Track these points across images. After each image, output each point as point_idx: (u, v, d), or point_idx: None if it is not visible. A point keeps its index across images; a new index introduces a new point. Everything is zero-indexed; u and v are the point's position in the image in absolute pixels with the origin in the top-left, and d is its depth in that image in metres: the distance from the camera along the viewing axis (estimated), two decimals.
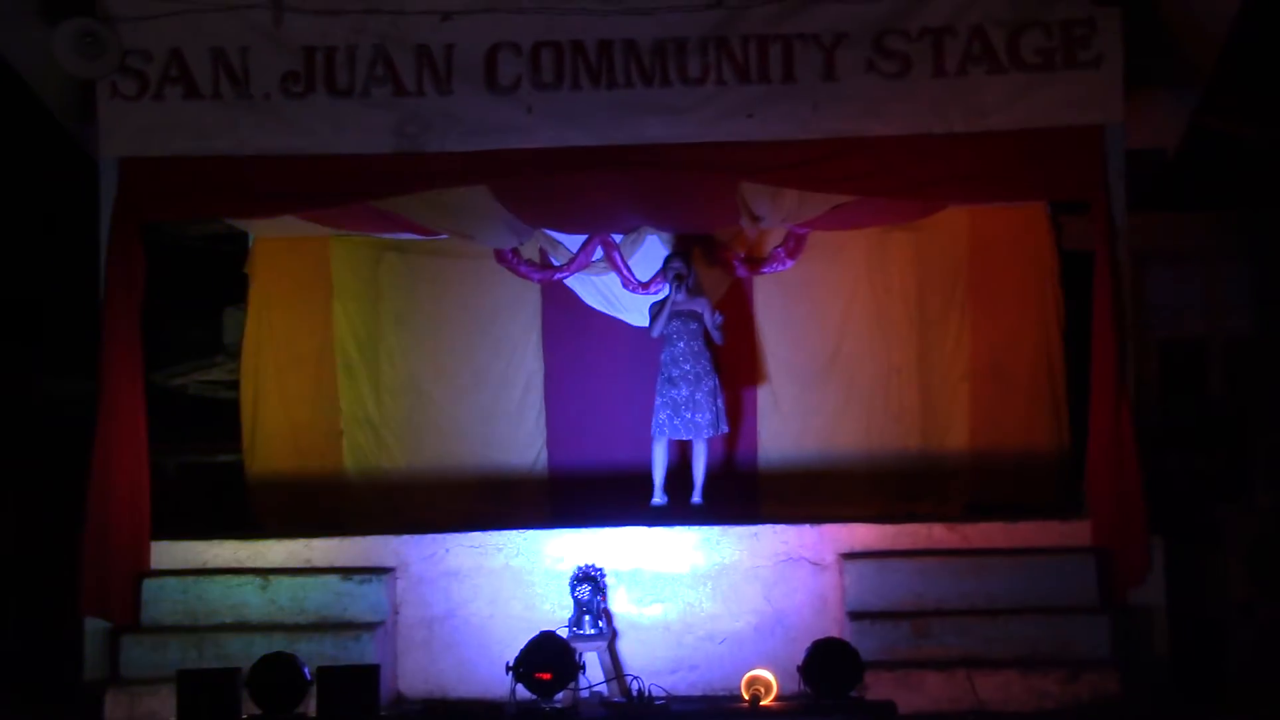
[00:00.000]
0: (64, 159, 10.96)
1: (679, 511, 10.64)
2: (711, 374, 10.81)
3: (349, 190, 9.98)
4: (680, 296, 10.78)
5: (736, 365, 11.51)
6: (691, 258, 11.17)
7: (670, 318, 10.77)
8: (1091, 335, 9.66)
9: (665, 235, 11.60)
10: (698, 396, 10.71)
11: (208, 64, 9.80)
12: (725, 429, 10.92)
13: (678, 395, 10.71)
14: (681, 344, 10.77)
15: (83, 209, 10.22)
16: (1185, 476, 11.42)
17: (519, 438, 11.79)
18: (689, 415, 10.70)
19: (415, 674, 9.68)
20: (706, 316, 10.81)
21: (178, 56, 9.80)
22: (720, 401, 10.83)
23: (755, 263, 11.69)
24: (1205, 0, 9.73)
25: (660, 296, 11.08)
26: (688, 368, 10.74)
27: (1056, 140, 9.59)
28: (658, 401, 10.76)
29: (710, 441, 10.92)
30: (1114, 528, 9.36)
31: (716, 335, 10.82)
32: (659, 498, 10.75)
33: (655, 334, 10.81)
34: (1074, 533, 9.59)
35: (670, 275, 10.84)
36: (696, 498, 10.79)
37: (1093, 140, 9.57)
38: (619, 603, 9.65)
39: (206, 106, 9.82)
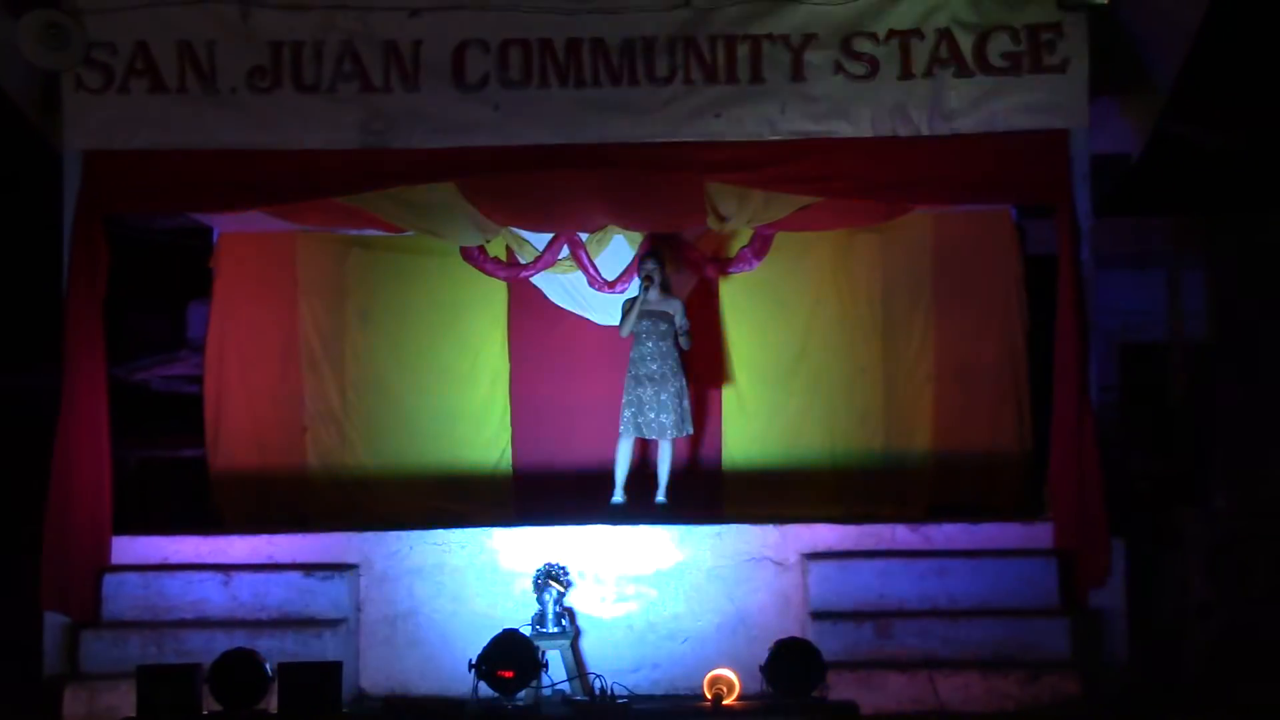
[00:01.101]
0: (26, 151, 10.87)
1: (643, 510, 10.64)
2: (679, 374, 10.81)
3: (315, 186, 9.96)
4: (652, 296, 10.77)
5: (702, 365, 11.52)
6: (664, 258, 11.19)
7: (640, 317, 10.77)
8: (1054, 338, 9.71)
9: (632, 235, 11.61)
10: (663, 397, 10.71)
11: (174, 57, 9.76)
12: (690, 431, 10.92)
13: (644, 394, 10.72)
14: (650, 344, 10.77)
15: (45, 201, 10.17)
16: (1146, 480, 11.50)
17: (484, 436, 11.79)
18: (654, 415, 10.70)
19: (378, 671, 9.66)
20: (678, 318, 10.82)
21: (143, 49, 9.76)
22: (686, 403, 10.84)
23: (721, 263, 11.71)
24: (1170, 8, 9.78)
25: (630, 294, 11.07)
26: (655, 367, 10.74)
27: (1022, 144, 9.64)
28: (624, 399, 10.77)
29: (675, 441, 10.93)
30: (1075, 530, 9.41)
31: (682, 341, 10.83)
32: (618, 496, 10.74)
33: (624, 333, 10.80)
34: (1035, 535, 9.64)
35: (643, 275, 10.83)
36: (661, 497, 10.79)
37: (1058, 145, 9.62)
38: (582, 601, 9.66)
39: (172, 100, 9.78)
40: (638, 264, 11.06)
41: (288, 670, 7.16)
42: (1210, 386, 12.61)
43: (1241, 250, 12.77)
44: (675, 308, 10.87)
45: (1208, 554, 9.65)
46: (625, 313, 10.84)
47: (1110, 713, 8.82)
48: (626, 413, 10.73)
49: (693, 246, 11.69)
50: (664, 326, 10.79)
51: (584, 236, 11.63)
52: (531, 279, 11.81)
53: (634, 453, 10.91)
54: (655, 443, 10.90)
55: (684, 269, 11.70)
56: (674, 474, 10.95)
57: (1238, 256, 12.87)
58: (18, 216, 12.06)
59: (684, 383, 10.84)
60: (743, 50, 9.73)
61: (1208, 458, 11.52)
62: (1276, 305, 12.30)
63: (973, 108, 9.67)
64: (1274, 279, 12.51)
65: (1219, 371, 12.50)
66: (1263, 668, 9.18)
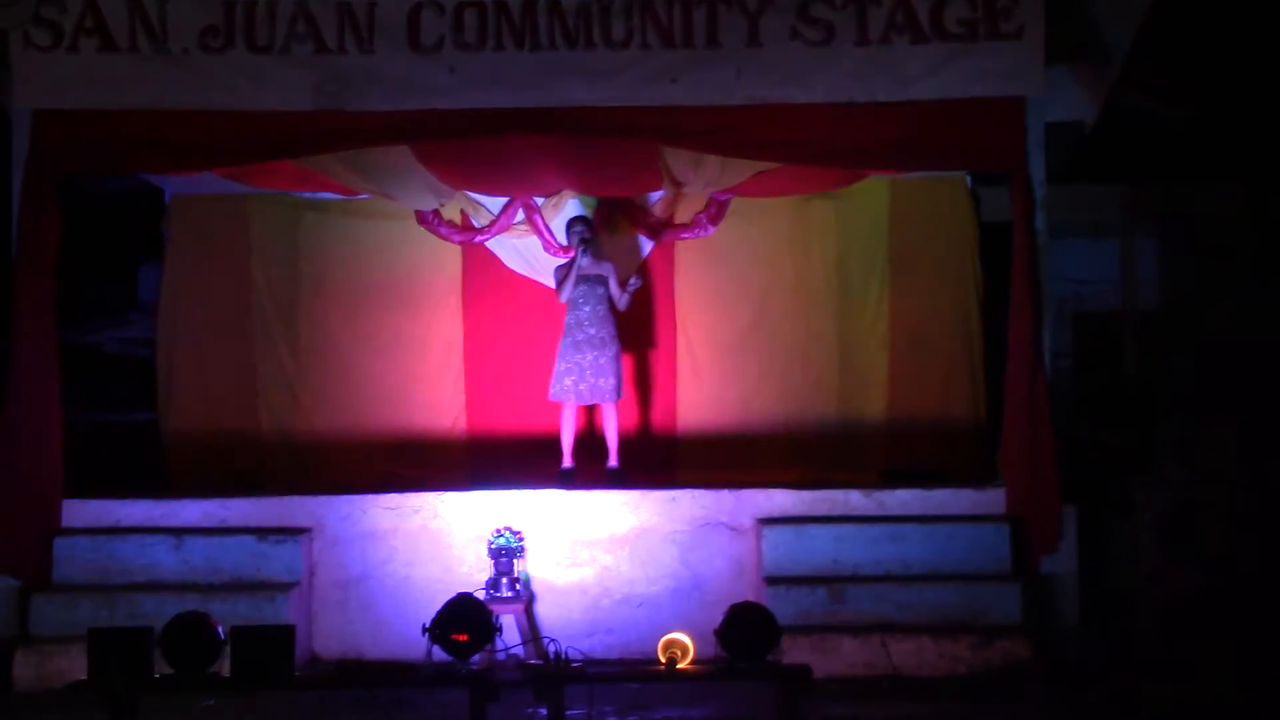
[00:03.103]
0: None
1: (595, 476, 10.64)
2: (615, 339, 10.74)
3: (268, 147, 9.88)
4: (586, 260, 10.71)
5: (657, 331, 11.52)
6: (595, 220, 11.13)
7: (577, 281, 10.71)
8: (1008, 306, 9.75)
9: (588, 199, 11.57)
10: (602, 360, 10.64)
11: (125, 16, 9.63)
12: (621, 395, 10.86)
13: (583, 359, 10.65)
14: (587, 308, 10.70)
15: None
16: (1098, 447, 11.57)
17: (438, 400, 11.76)
18: (594, 380, 10.63)
19: (330, 635, 9.65)
20: (612, 281, 10.76)
21: (93, 7, 9.63)
22: (621, 367, 10.79)
23: (677, 228, 11.69)
24: None
25: (566, 260, 11.02)
26: (593, 332, 10.68)
27: (978, 111, 9.64)
28: (560, 365, 10.67)
29: (621, 405, 10.90)
30: (1027, 496, 9.47)
31: (621, 300, 10.75)
32: (567, 461, 10.72)
33: (563, 298, 10.72)
34: (988, 501, 9.70)
35: (574, 239, 10.78)
36: (613, 461, 10.77)
37: (1013, 111, 9.63)
38: (536, 566, 9.67)
39: (123, 59, 9.65)
40: (568, 228, 10.99)
41: (240, 634, 7.11)
42: (1162, 355, 12.69)
43: (1194, 220, 12.84)
44: (608, 270, 10.80)
45: (1158, 521, 9.72)
46: (561, 279, 10.77)
47: (1061, 677, 8.89)
48: (567, 380, 10.64)
49: (648, 211, 11.66)
50: (600, 290, 10.73)
51: (539, 201, 11.59)
52: (486, 243, 11.78)
53: (582, 418, 10.88)
54: (600, 408, 10.86)
55: (638, 234, 11.67)
56: (628, 440, 10.94)
57: (1190, 226, 12.95)
58: None
59: (620, 346, 10.79)
60: (699, 15, 9.67)
61: (1159, 425, 11.58)
62: (1227, 275, 12.38)
63: (929, 74, 9.65)
64: (1225, 249, 12.59)
65: (1171, 340, 12.58)
66: (1212, 633, 9.27)
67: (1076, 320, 13.55)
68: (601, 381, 10.65)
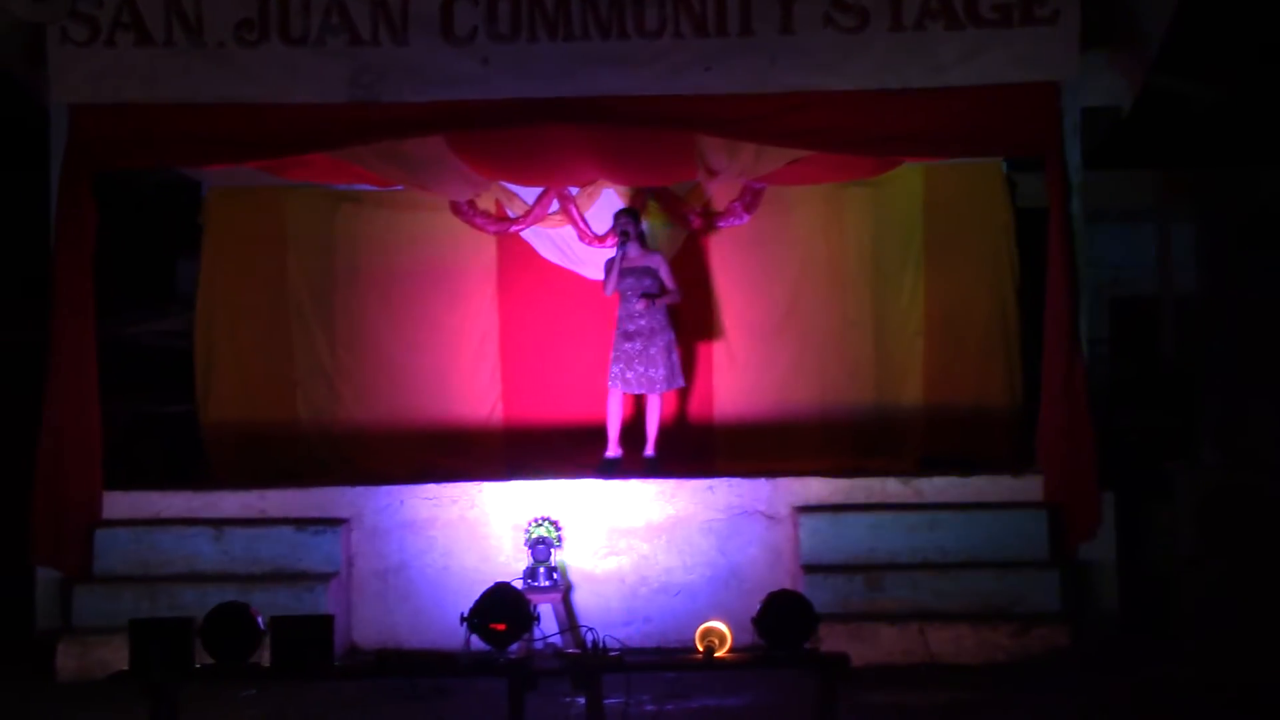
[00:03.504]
0: (12, 104, 10.81)
1: (633, 464, 10.66)
2: (666, 329, 10.80)
3: (303, 140, 9.91)
4: (632, 252, 10.75)
5: (692, 320, 11.51)
6: (641, 213, 11.15)
7: (623, 274, 10.74)
8: (1045, 292, 9.71)
9: (622, 188, 11.58)
10: (651, 351, 10.70)
11: (160, 10, 9.70)
12: (680, 383, 10.93)
13: (632, 349, 10.71)
14: (635, 299, 10.74)
15: (32, 155, 10.11)
16: (1136, 433, 11.52)
17: (474, 390, 11.79)
18: (642, 369, 10.69)
19: (369, 625, 9.69)
20: (662, 272, 10.80)
21: (129, 1, 9.69)
22: (675, 356, 10.83)
23: (711, 217, 11.68)
24: None
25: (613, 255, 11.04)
26: (643, 323, 10.72)
27: (1012, 97, 9.60)
28: (613, 354, 10.76)
29: (665, 396, 10.93)
30: (1065, 483, 9.44)
31: (672, 295, 10.80)
32: (613, 450, 10.76)
33: (609, 291, 10.78)
34: (1026, 488, 9.67)
35: (618, 232, 10.80)
36: (649, 451, 10.79)
37: (1048, 97, 9.59)
38: (573, 555, 9.68)
39: (159, 53, 9.72)
40: (613, 221, 11.01)
41: (280, 624, 7.13)
42: (1200, 339, 12.63)
43: (1231, 204, 12.77)
44: (657, 262, 10.84)
45: (1197, 506, 9.66)
46: (607, 272, 10.80)
47: (1100, 663, 8.86)
48: (615, 368, 10.73)
49: (682, 200, 11.65)
50: (647, 281, 10.76)
51: (574, 190, 11.60)
52: (521, 233, 11.79)
53: (626, 406, 10.92)
54: (645, 397, 10.89)
55: (673, 223, 11.67)
56: (665, 428, 10.95)
57: (1227, 210, 12.88)
58: (4, 171, 11.98)
59: (673, 336, 10.83)
60: (732, 2, 9.67)
61: (1197, 411, 11.54)
62: (1265, 259, 12.31)
63: (963, 60, 9.62)
64: (1263, 233, 12.52)
65: (1208, 325, 12.52)
66: (1251, 619, 9.22)
67: (1113, 306, 13.51)
68: (651, 372, 10.68)
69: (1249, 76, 12.35)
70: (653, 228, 11.48)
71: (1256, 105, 12.43)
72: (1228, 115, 12.59)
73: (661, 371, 10.70)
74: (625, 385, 10.73)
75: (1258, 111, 12.42)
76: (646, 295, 10.71)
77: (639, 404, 11.06)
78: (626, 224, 10.78)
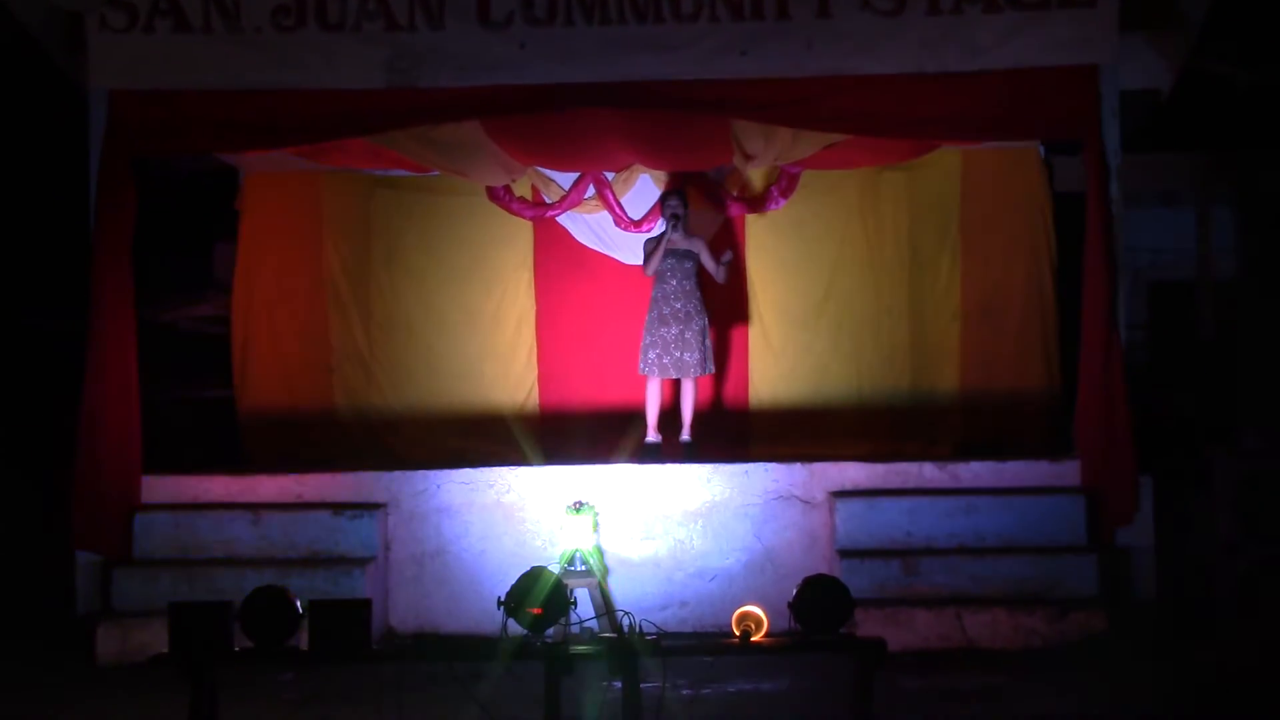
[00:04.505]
0: (52, 91, 10.87)
1: (669, 449, 10.66)
2: (702, 313, 10.80)
3: (340, 125, 9.94)
4: (677, 235, 10.75)
5: (728, 305, 11.50)
6: (688, 196, 11.15)
7: (665, 256, 10.74)
8: (1083, 276, 9.66)
9: (658, 173, 11.57)
10: (687, 335, 10.70)
11: None
12: (711, 369, 10.92)
13: (668, 333, 10.70)
14: (674, 282, 10.74)
15: (72, 143, 10.17)
16: (1174, 418, 11.47)
17: (510, 375, 11.81)
18: (678, 354, 10.69)
19: (406, 609, 9.73)
20: (704, 256, 10.79)
21: None
22: (709, 341, 10.83)
23: (748, 202, 11.66)
24: None
25: (655, 233, 11.04)
26: (679, 306, 10.72)
27: (1051, 80, 9.55)
28: (647, 339, 10.76)
29: (699, 380, 10.93)
30: (1103, 468, 9.40)
31: (720, 275, 10.79)
32: (652, 435, 10.77)
33: (649, 272, 10.78)
34: (1063, 473, 9.64)
35: (667, 213, 10.80)
36: (685, 435, 10.80)
37: (1087, 80, 9.53)
38: (610, 540, 9.70)
39: (197, 40, 9.76)
40: (661, 202, 11.02)
41: (318, 607, 7.16)
42: (1239, 324, 12.55)
43: (1272, 187, 12.67)
44: (698, 246, 10.84)
45: (1236, 491, 9.61)
46: (649, 253, 10.81)
47: (1137, 650, 8.82)
48: (650, 354, 10.72)
49: (719, 185, 11.64)
50: (688, 265, 10.76)
51: (610, 175, 11.60)
52: (557, 218, 11.79)
53: (663, 391, 10.92)
54: (680, 382, 10.88)
55: (710, 208, 11.66)
56: (701, 414, 10.95)
57: (1268, 194, 12.78)
58: (45, 158, 12.05)
59: (706, 321, 10.83)
60: None
61: (1236, 395, 11.47)
62: None
63: (1001, 43, 9.58)
64: None
65: (1248, 309, 12.44)
66: None
67: (1152, 290, 13.45)
68: (686, 356, 10.68)
69: None
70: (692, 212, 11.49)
71: None
72: (1268, 98, 12.48)
73: (696, 355, 10.70)
74: (661, 371, 10.73)
75: None
76: (717, 264, 10.69)
77: (675, 389, 11.06)
78: (677, 206, 10.77)
